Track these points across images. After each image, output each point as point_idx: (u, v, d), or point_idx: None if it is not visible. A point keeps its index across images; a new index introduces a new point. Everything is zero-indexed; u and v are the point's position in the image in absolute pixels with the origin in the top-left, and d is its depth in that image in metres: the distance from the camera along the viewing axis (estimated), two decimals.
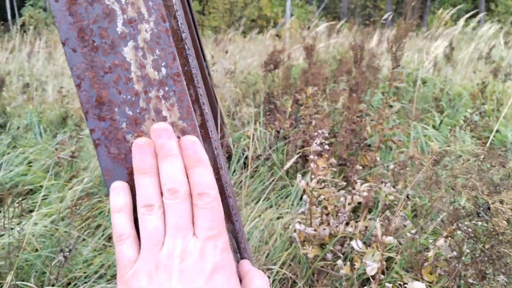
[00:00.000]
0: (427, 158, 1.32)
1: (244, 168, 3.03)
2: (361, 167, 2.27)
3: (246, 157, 3.00)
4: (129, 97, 0.42)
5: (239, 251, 0.71)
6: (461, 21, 5.24)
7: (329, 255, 1.96)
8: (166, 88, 0.43)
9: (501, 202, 1.09)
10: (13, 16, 18.46)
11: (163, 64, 0.43)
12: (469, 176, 1.15)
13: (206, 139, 0.76)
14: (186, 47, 0.75)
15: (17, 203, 2.36)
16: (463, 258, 1.33)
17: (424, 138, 2.82)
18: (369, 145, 2.57)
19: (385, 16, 6.66)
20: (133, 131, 0.42)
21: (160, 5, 0.43)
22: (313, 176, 2.01)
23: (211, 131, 0.76)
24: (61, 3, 0.40)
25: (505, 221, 1.08)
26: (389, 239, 1.08)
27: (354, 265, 1.54)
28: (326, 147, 2.04)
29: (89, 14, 0.41)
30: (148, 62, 0.43)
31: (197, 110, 0.77)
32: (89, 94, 0.41)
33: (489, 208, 1.11)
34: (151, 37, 0.43)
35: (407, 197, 1.14)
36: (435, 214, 1.72)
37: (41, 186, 2.64)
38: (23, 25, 12.87)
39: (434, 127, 3.47)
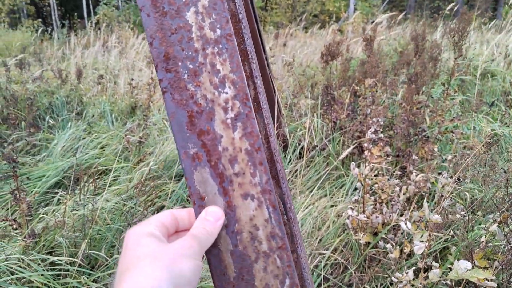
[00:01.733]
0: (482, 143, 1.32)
1: (300, 158, 3.08)
2: (417, 158, 2.25)
3: (302, 147, 3.05)
4: (190, 53, 0.52)
5: (285, 211, 0.79)
6: None
7: (381, 243, 1.97)
8: (220, 46, 0.52)
9: None
10: (88, 14, 19.78)
11: (218, 26, 0.52)
12: None
13: (258, 110, 0.85)
14: (242, 27, 0.84)
15: (92, 181, 2.60)
16: None
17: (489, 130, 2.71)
18: (428, 137, 2.52)
19: (449, 7, 6.33)
20: (193, 81, 0.52)
21: None
22: (367, 164, 2.03)
23: (262, 102, 0.85)
24: None
25: None
26: (436, 217, 1.10)
27: (404, 250, 1.56)
28: (381, 135, 2.05)
29: None
30: (206, 24, 0.52)
31: (251, 85, 0.86)
32: (158, 50, 0.51)
33: None
34: (208, 4, 0.52)
35: (458, 179, 1.15)
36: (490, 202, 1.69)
37: (112, 168, 2.87)
38: (97, 22, 13.77)
39: (502, 121, 3.31)
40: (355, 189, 2.61)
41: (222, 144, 0.52)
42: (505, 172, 1.09)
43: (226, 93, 0.52)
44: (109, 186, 2.75)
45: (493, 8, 18.28)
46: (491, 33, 7.05)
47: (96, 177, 2.97)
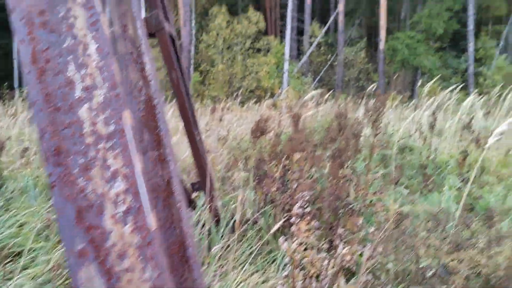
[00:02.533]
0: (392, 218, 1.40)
1: (233, 232, 3.05)
2: (344, 230, 2.31)
3: (235, 221, 3.03)
4: (82, 148, 0.52)
5: None
6: (444, 93, 5.54)
7: None
8: (114, 141, 0.53)
9: (460, 261, 1.14)
10: (20, 85, 19.18)
11: (112, 122, 0.53)
12: (428, 235, 1.21)
13: (171, 195, 0.86)
14: (156, 112, 0.87)
15: (2, 265, 2.37)
16: None
17: (407, 203, 2.89)
18: (354, 210, 2.63)
19: (371, 87, 7.00)
20: (83, 175, 0.51)
21: (112, 75, 0.54)
22: (295, 239, 2.05)
23: (175, 186, 0.86)
24: (32, 74, 0.52)
25: (463, 280, 1.12)
26: None
27: None
28: (308, 210, 2.10)
29: (54, 82, 0.53)
30: (100, 120, 0.53)
31: (165, 168, 0.87)
32: (49, 144, 0.52)
33: (445, 267, 1.16)
34: (103, 100, 0.53)
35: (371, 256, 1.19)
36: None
37: (29, 249, 2.65)
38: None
39: (421, 192, 3.55)
40: (286, 263, 2.61)
41: (111, 239, 0.51)
42: (412, 248, 1.16)
43: (118, 187, 0.52)
44: (25, 269, 2.51)
45: (411, 88, 20.38)
46: (409, 110, 7.75)
47: (10, 259, 2.71)
